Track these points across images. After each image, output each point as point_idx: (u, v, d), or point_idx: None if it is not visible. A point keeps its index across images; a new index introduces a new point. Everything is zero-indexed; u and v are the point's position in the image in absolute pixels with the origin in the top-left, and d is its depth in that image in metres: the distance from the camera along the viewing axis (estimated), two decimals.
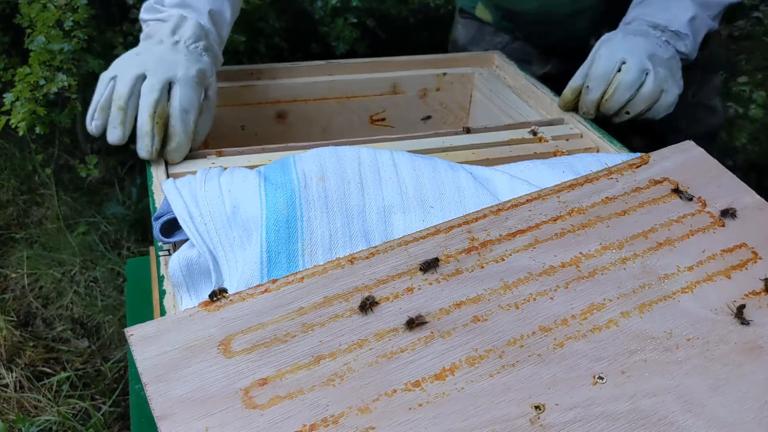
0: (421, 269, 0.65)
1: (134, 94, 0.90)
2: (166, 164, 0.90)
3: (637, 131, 1.09)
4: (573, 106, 1.05)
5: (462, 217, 0.71)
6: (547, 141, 1.00)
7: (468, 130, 1.00)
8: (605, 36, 1.05)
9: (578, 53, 1.22)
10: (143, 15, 1.02)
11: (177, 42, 0.96)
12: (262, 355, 0.56)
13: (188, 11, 0.99)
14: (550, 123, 1.05)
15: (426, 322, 0.60)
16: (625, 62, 0.99)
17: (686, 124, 1.23)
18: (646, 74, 0.99)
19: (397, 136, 0.97)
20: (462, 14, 1.44)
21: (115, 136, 0.90)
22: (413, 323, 0.60)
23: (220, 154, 0.93)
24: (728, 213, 0.74)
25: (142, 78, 0.90)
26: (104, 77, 0.92)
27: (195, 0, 1.00)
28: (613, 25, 1.19)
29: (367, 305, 0.60)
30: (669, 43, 1.05)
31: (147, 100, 0.89)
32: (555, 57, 1.34)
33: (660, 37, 1.04)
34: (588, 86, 1.01)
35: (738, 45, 2.22)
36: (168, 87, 0.91)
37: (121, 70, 0.91)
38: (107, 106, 0.90)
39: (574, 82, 1.04)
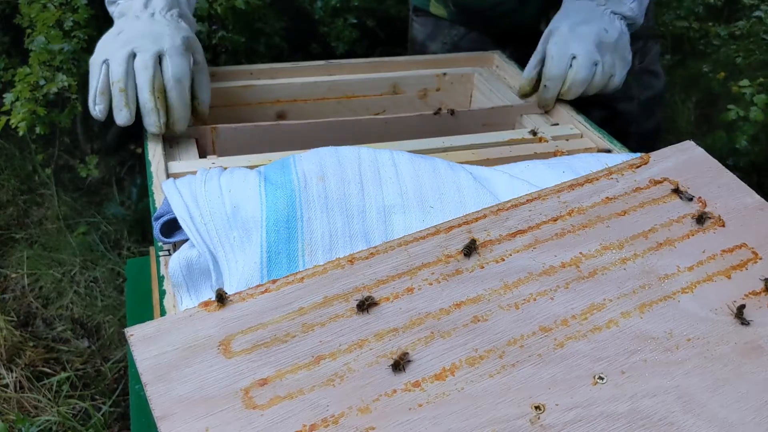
0: (464, 254, 0.66)
1: (129, 73, 0.91)
2: (166, 164, 0.90)
3: (593, 103, 1.15)
4: (531, 94, 1.12)
5: (462, 217, 0.71)
6: (547, 141, 1.00)
7: (452, 112, 1.07)
8: (552, 26, 1.10)
9: (531, 37, 1.29)
10: None
11: (152, 14, 0.98)
12: (262, 355, 0.56)
13: None
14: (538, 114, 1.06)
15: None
16: (575, 57, 1.05)
17: (636, 90, 1.34)
18: (596, 64, 1.05)
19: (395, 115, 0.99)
20: (416, 13, 1.47)
21: (122, 118, 0.92)
22: (363, 305, 0.60)
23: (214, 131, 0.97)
24: (703, 218, 0.74)
25: (133, 56, 0.92)
26: (95, 61, 0.93)
27: None
28: (559, 7, 1.25)
29: (365, 305, 0.60)
30: (615, 13, 1.09)
31: (143, 77, 0.91)
32: (511, 43, 1.37)
33: (604, 9, 1.09)
34: (545, 85, 1.07)
35: (738, 45, 2.21)
36: (159, 60, 0.93)
37: (110, 52, 0.93)
38: (106, 89, 0.92)
39: (529, 74, 1.10)
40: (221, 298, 0.60)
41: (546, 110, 1.10)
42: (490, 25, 1.38)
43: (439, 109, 1.09)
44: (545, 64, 1.08)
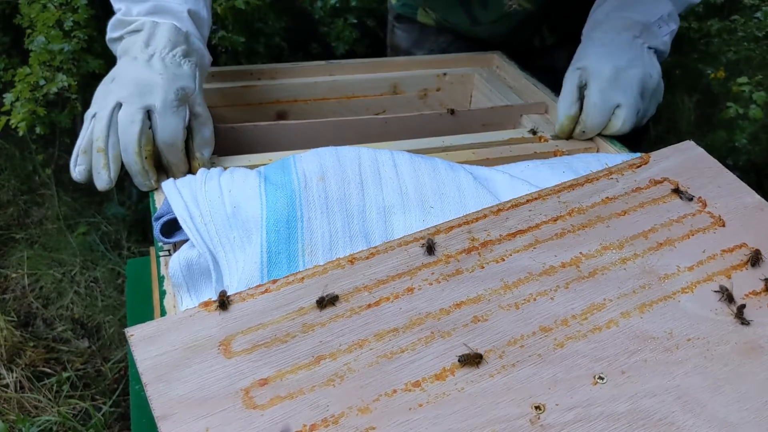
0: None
1: (113, 128, 0.81)
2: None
3: None
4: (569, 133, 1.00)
5: (462, 217, 0.71)
6: (547, 141, 1.00)
7: (452, 112, 1.04)
8: (591, 63, 0.98)
9: (524, 46, 1.27)
10: (111, 34, 0.91)
11: (152, 56, 0.86)
12: (263, 355, 0.56)
13: (161, 16, 0.89)
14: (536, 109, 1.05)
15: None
16: (619, 106, 0.96)
17: None
18: (638, 112, 0.97)
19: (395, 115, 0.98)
20: (399, 20, 1.43)
21: (101, 182, 0.81)
22: (323, 301, 0.60)
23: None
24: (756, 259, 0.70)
25: (119, 107, 0.82)
26: (87, 116, 0.83)
27: (168, 3, 0.90)
28: (551, 22, 1.23)
29: (325, 302, 0.60)
30: (650, 48, 1.01)
31: (128, 136, 0.81)
32: (500, 50, 1.35)
33: (642, 44, 1.00)
34: (584, 131, 0.98)
35: (740, 45, 2.22)
36: (148, 114, 0.83)
37: (100, 104, 0.83)
38: (89, 148, 0.82)
39: (568, 113, 0.98)
40: (223, 304, 0.60)
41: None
42: (480, 38, 1.36)
43: (452, 109, 1.06)
44: (585, 109, 0.97)
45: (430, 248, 0.66)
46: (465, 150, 0.96)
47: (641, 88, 0.97)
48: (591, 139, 1.00)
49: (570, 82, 0.99)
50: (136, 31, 0.89)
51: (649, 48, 1.01)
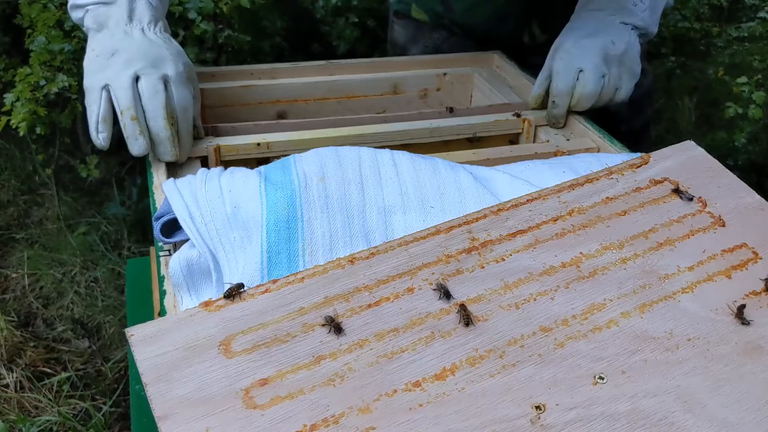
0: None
1: (137, 98, 0.85)
2: (167, 164, 0.90)
3: None
4: (541, 109, 1.08)
5: (462, 217, 0.71)
6: (548, 141, 1.01)
7: (451, 110, 1.05)
8: (558, 41, 1.07)
9: (515, 42, 1.30)
10: (76, 1, 0.93)
11: (142, 29, 0.90)
12: (263, 355, 0.56)
13: None
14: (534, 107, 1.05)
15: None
16: (582, 70, 1.02)
17: None
18: (603, 77, 1.02)
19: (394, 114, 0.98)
20: (397, 16, 1.46)
21: (139, 147, 0.85)
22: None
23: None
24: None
25: (136, 79, 0.85)
26: (92, 86, 0.86)
27: None
28: (542, 19, 1.25)
29: (331, 327, 0.59)
30: (625, 23, 1.06)
31: (156, 103, 0.85)
32: (493, 47, 1.36)
33: (614, 20, 1.05)
34: (554, 101, 1.04)
35: (742, 46, 2.22)
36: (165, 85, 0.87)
37: (109, 76, 0.86)
38: (109, 116, 0.85)
39: (536, 90, 1.07)
40: (231, 295, 0.60)
41: (557, 126, 1.06)
42: (472, 32, 1.38)
43: (451, 108, 1.07)
44: (552, 80, 1.05)
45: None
46: (465, 150, 0.96)
47: (603, 54, 1.02)
48: (566, 120, 1.05)
49: (545, 64, 1.06)
50: (106, 2, 0.91)
51: (623, 23, 1.05)
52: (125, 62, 0.86)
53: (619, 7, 1.06)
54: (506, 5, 1.28)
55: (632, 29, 1.07)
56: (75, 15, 0.95)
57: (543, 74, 1.07)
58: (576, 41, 1.04)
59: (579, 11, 1.11)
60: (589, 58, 1.02)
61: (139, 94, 0.85)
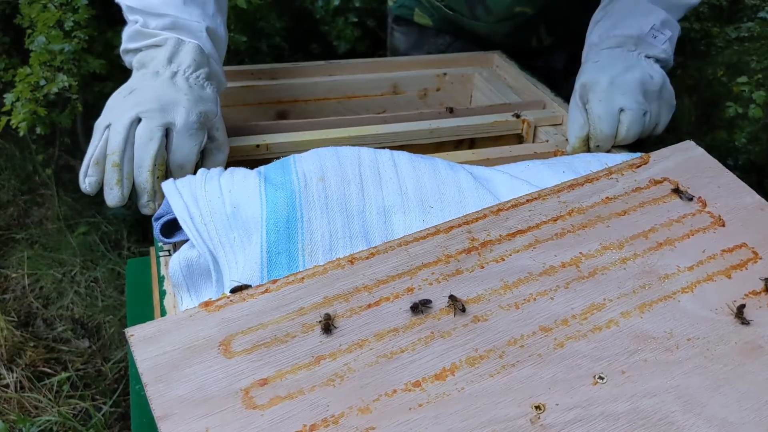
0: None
1: (129, 142, 0.78)
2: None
3: None
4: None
5: (462, 217, 0.71)
6: (547, 141, 1.01)
7: (451, 110, 1.03)
8: (586, 79, 0.98)
9: (522, 47, 1.27)
10: (128, 44, 0.89)
11: (175, 73, 0.84)
12: (263, 355, 0.56)
13: (184, 33, 0.86)
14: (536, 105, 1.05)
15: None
16: (623, 110, 0.95)
17: None
18: (645, 114, 0.96)
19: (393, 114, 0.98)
20: (397, 23, 1.43)
21: (113, 198, 0.79)
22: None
23: None
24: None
25: (137, 121, 0.79)
26: (99, 125, 0.80)
27: (188, 20, 0.87)
28: (549, 23, 1.22)
29: (326, 326, 0.59)
30: (648, 57, 1.00)
31: (145, 152, 0.78)
32: (498, 51, 1.35)
33: (638, 55, 1.00)
34: (597, 146, 0.96)
35: (741, 46, 2.22)
36: (166, 132, 0.81)
37: (115, 115, 0.80)
38: (102, 159, 0.78)
39: (578, 135, 0.97)
40: (236, 290, 0.61)
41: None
42: (479, 38, 1.35)
43: (451, 108, 1.07)
44: (591, 125, 0.96)
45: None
46: (465, 150, 0.96)
47: (642, 89, 0.96)
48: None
49: (573, 102, 0.99)
50: (157, 45, 0.86)
51: (648, 57, 1.00)
52: (134, 103, 0.80)
53: (639, 41, 1.00)
54: (530, 17, 1.25)
55: (656, 62, 1.01)
56: (127, 59, 0.90)
57: (578, 116, 0.97)
58: (611, 79, 0.96)
59: (596, 50, 1.03)
60: (631, 97, 0.95)
61: (134, 139, 0.79)
